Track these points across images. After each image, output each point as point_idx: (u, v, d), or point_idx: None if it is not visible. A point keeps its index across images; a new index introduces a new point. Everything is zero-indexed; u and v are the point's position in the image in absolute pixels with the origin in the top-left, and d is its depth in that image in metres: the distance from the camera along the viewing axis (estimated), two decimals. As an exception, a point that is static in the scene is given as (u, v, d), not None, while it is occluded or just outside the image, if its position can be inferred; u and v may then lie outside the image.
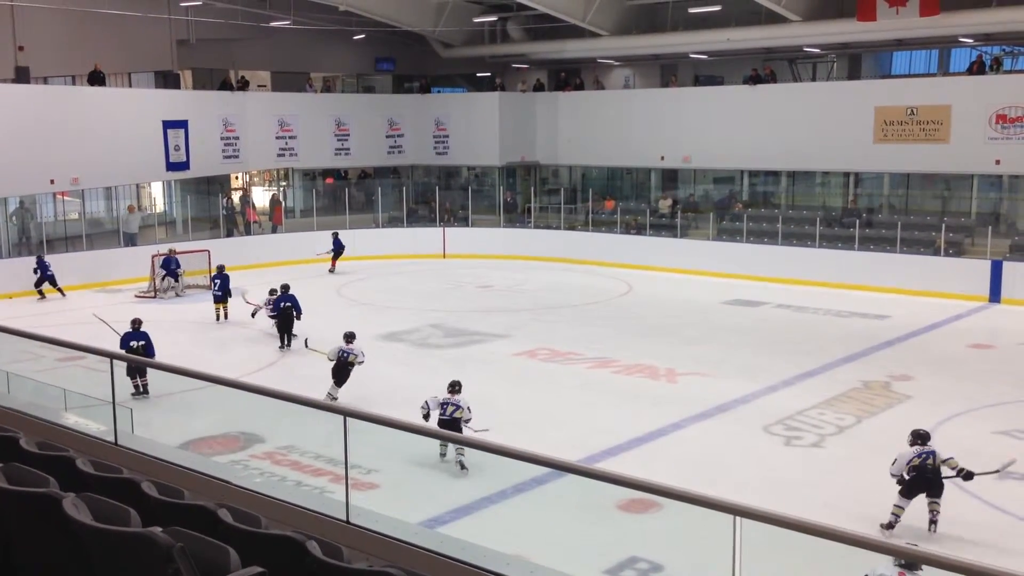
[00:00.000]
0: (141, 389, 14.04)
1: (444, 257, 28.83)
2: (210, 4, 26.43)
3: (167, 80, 28.69)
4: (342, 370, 13.97)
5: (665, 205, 28.99)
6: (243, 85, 29.33)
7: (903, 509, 9.72)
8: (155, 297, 22.67)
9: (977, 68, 24.58)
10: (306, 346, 16.04)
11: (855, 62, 29.80)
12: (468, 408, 11.46)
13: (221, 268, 20.50)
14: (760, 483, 10.99)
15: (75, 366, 14.12)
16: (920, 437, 9.92)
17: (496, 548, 4.32)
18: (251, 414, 12.21)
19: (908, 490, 9.73)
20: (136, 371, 13.81)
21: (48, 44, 24.75)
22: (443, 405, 11.47)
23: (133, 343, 14.43)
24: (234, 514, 3.84)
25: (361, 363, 14.07)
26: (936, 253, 23.39)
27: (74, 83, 26.03)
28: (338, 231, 27.04)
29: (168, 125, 26.53)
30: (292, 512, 4.72)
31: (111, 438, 5.71)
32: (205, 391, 12.69)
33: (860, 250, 24.14)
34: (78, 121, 24.28)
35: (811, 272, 23.95)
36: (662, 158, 29.32)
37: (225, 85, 28.84)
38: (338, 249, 26.55)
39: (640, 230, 28.09)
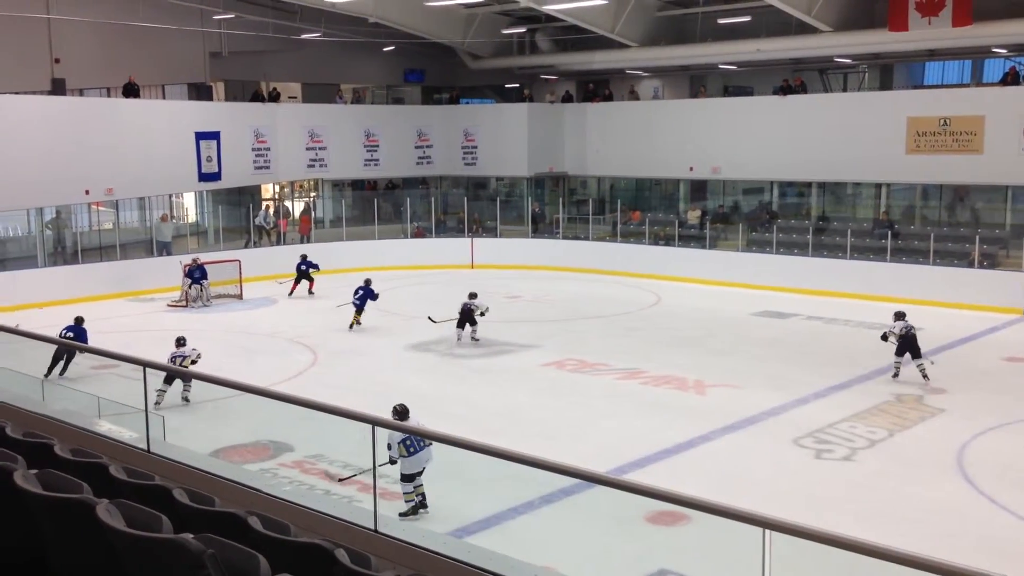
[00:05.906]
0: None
1: (472, 268, 28.87)
2: (242, 17, 26.73)
3: (200, 92, 29.02)
4: (466, 317, 18.74)
5: (694, 216, 28.86)
6: (274, 97, 29.63)
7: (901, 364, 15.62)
8: (187, 306, 22.91)
9: (1011, 79, 24.29)
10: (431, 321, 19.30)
11: (887, 72, 29.54)
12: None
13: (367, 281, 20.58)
14: (790, 496, 10.89)
15: (109, 374, 14.30)
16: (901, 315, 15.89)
17: (524, 559, 4.31)
18: (281, 423, 12.27)
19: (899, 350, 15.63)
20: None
21: (84, 57, 25.17)
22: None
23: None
24: (264, 522, 3.86)
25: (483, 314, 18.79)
26: (970, 265, 23.10)
27: (109, 95, 26.38)
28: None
29: (200, 136, 26.83)
30: (321, 520, 4.74)
31: (144, 445, 5.77)
32: (235, 400, 12.81)
33: (892, 262, 23.88)
34: (113, 132, 24.62)
35: (842, 284, 23.70)
36: (691, 169, 29.20)
37: (256, 97, 29.15)
38: (304, 273, 24.31)
39: (669, 241, 27.98)
